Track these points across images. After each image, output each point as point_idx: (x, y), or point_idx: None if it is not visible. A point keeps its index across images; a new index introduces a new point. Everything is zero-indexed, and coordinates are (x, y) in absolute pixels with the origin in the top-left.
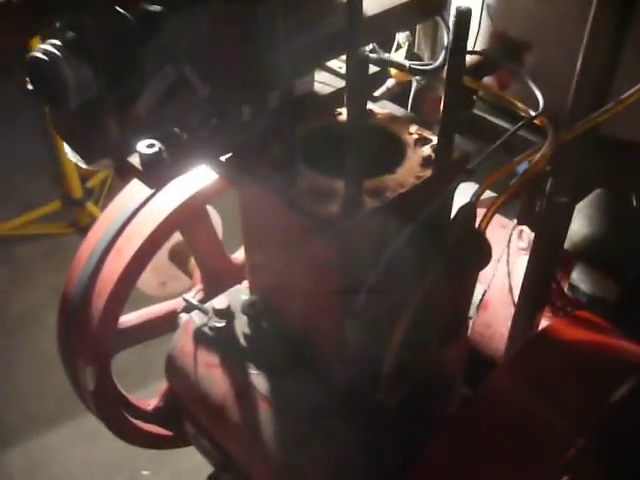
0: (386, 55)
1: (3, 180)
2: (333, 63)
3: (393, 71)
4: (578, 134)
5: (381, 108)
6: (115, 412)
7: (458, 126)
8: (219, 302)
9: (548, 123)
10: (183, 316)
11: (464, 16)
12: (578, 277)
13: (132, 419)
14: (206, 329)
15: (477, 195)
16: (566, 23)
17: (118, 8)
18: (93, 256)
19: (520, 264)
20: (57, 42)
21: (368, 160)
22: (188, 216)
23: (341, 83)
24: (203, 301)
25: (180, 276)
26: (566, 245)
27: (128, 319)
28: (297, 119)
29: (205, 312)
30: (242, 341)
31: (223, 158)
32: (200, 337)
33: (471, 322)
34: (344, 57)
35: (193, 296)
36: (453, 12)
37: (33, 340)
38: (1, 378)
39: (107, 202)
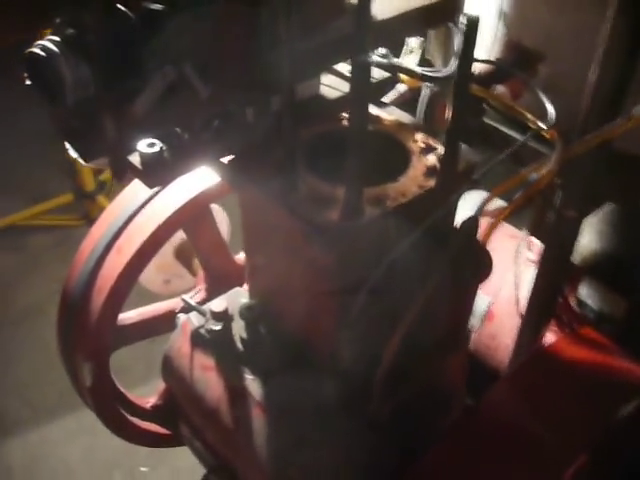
0: (396, 60)
1: (16, 171)
2: (342, 66)
3: (404, 76)
4: (588, 149)
5: (388, 114)
6: (113, 409)
7: (465, 135)
8: (216, 305)
9: (557, 137)
10: (181, 316)
11: (473, 24)
12: (586, 292)
13: (130, 417)
14: (203, 331)
15: (481, 208)
16: (580, 35)
17: (120, 6)
18: (94, 252)
19: (528, 276)
20: (56, 38)
21: (370, 167)
22: (191, 216)
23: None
24: (206, 300)
25: (185, 274)
26: (575, 259)
27: (128, 316)
28: (301, 123)
29: (203, 314)
30: (239, 345)
31: (224, 160)
32: (197, 339)
33: (476, 333)
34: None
35: (193, 296)
36: (462, 20)
37: (38, 332)
38: (4, 369)
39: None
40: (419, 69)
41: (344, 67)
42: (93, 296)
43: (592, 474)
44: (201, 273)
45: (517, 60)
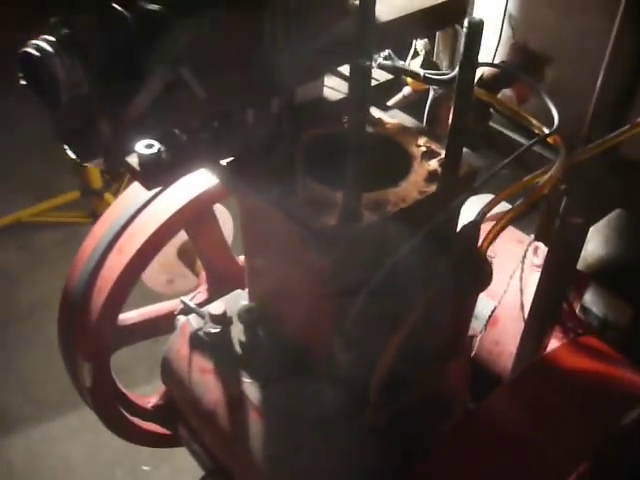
0: (401, 63)
1: (24, 169)
2: (345, 69)
3: (409, 79)
4: (592, 155)
5: (391, 117)
6: (113, 409)
7: (468, 139)
8: (215, 307)
9: (562, 142)
10: (181, 318)
11: (476, 27)
12: (591, 299)
13: (131, 417)
14: (202, 334)
15: (482, 214)
16: (587, 39)
17: (116, 6)
18: (96, 252)
19: (533, 281)
20: (50, 38)
21: (371, 172)
22: (193, 216)
23: None
24: (209, 301)
25: (188, 274)
26: (581, 266)
27: (129, 316)
28: (301, 126)
29: (202, 316)
30: (237, 348)
31: (222, 163)
32: (196, 341)
33: (479, 338)
34: None
35: (194, 297)
36: (465, 23)
37: (43, 329)
38: (8, 365)
39: None
40: (422, 71)
41: (347, 69)
42: (93, 296)
43: None
44: (203, 274)
45: (524, 63)
